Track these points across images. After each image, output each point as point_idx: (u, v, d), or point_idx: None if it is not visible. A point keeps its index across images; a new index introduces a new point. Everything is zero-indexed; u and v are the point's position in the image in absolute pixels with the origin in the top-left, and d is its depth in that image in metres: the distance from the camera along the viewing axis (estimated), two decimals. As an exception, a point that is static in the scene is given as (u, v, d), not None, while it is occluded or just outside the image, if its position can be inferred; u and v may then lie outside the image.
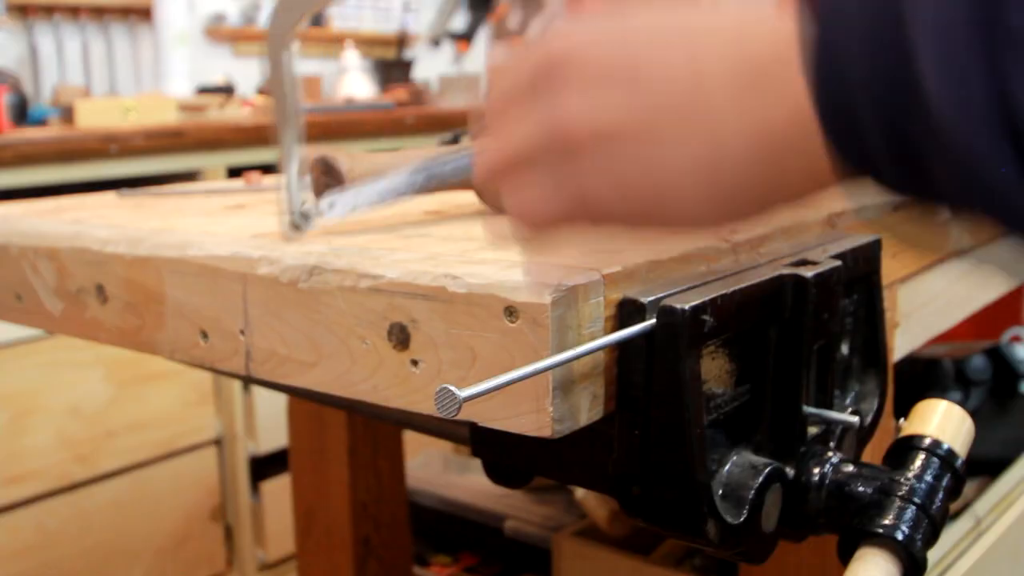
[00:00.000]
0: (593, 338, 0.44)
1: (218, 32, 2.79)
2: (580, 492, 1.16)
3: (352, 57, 2.86)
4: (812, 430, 0.52)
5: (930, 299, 0.77)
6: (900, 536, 0.46)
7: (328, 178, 0.65)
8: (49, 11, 2.45)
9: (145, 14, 2.56)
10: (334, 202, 0.47)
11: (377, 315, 0.50)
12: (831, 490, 0.50)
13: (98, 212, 0.82)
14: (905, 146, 0.28)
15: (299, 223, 0.48)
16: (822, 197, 0.32)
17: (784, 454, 0.50)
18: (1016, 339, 1.39)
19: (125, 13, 2.58)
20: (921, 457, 0.50)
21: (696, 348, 0.44)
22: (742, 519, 0.46)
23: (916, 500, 0.47)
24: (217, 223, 0.72)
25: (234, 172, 1.93)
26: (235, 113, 2.29)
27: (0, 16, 2.30)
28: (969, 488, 1.06)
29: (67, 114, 2.01)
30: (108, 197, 0.96)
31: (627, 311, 0.45)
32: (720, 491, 0.46)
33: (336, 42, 3.03)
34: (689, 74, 0.32)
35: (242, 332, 0.57)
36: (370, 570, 1.05)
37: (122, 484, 1.75)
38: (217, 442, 1.89)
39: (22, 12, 2.40)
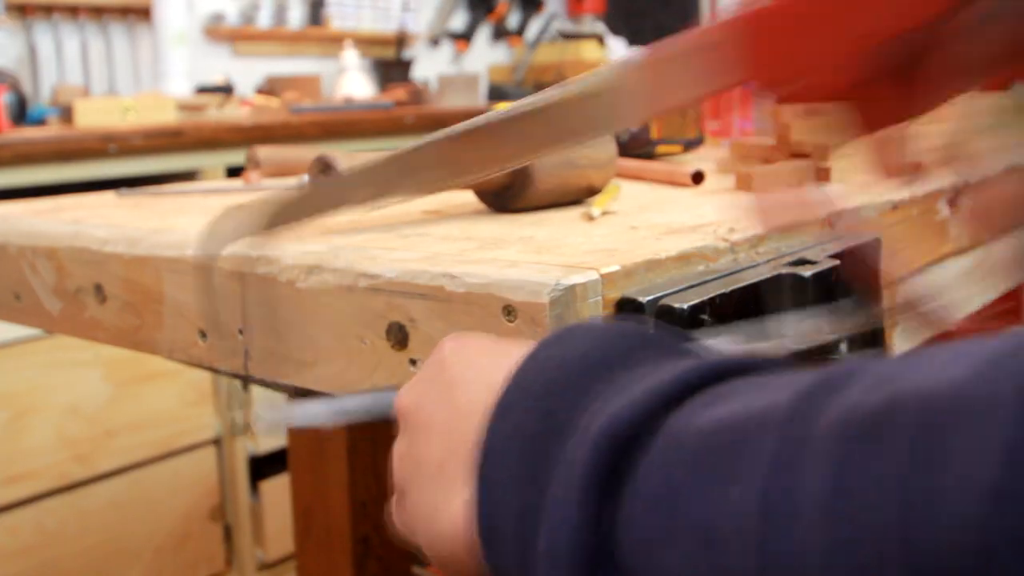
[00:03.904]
0: (592, 337, 0.44)
1: (217, 32, 2.78)
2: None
3: (351, 56, 2.86)
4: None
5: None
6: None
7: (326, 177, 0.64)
8: (48, 11, 2.45)
9: (144, 14, 2.56)
10: (261, 416, 0.51)
11: (375, 314, 0.50)
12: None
13: (97, 212, 0.82)
14: None
15: (238, 431, 0.52)
16: None
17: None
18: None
19: (124, 13, 2.58)
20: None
21: (695, 347, 0.44)
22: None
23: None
24: (216, 223, 0.72)
25: (233, 172, 1.93)
26: (234, 113, 2.29)
27: (-1, 16, 2.30)
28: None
29: (66, 114, 2.01)
30: (107, 197, 0.96)
31: (626, 310, 0.45)
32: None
33: (335, 41, 3.03)
34: (441, 455, 0.37)
35: (240, 331, 0.57)
36: (370, 570, 1.05)
37: (121, 484, 1.75)
38: (216, 442, 1.88)
39: (21, 12, 2.40)
